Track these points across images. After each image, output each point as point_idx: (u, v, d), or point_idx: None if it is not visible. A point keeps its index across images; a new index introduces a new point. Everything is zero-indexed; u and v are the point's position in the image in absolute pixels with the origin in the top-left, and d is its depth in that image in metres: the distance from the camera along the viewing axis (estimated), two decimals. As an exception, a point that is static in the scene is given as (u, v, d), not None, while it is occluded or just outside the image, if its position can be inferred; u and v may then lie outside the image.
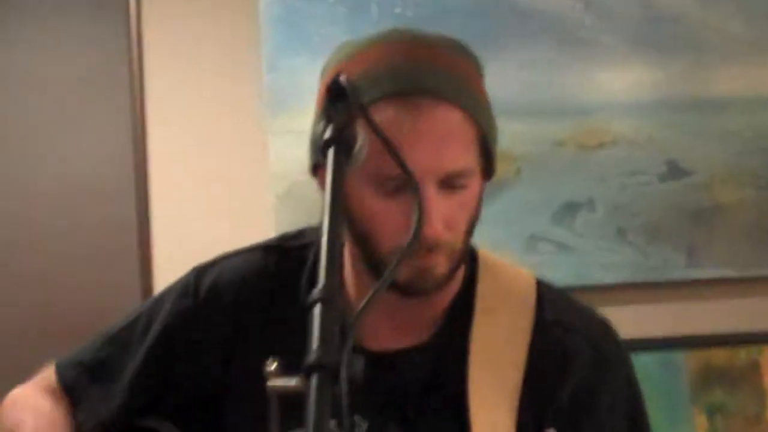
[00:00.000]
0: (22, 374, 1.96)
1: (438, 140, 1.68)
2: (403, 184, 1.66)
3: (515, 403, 1.77)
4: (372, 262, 1.71)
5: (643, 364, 2.95)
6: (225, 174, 3.30)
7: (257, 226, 2.97)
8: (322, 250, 1.38)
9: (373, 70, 1.66)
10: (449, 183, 1.67)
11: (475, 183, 1.71)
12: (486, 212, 2.72)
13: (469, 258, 1.85)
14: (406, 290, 1.70)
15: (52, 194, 3.36)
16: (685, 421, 3.21)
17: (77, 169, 3.42)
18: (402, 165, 1.54)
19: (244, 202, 3.26)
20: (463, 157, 1.69)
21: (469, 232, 1.74)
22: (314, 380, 1.29)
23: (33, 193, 3.36)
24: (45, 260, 3.35)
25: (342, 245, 1.51)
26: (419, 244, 1.65)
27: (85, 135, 3.43)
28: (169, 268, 2.74)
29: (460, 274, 1.82)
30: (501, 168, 2.48)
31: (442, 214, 1.67)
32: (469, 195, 1.71)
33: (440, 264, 1.71)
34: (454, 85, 1.73)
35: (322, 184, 1.67)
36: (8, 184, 3.43)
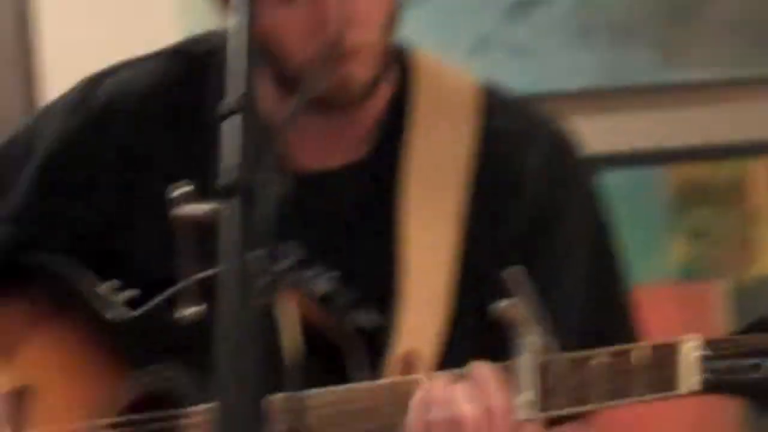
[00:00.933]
0: None
1: None
2: None
3: (456, 227, 1.74)
4: (284, 79, 1.68)
5: (611, 182, 2.42)
6: None
7: (157, 30, 2.79)
8: (234, 53, 1.25)
9: None
10: None
11: None
12: (426, 9, 2.76)
13: (400, 61, 1.81)
14: (327, 104, 1.65)
15: None
16: (662, 249, 3.05)
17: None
18: None
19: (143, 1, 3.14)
20: None
21: (389, 26, 1.70)
22: (232, 204, 1.20)
23: None
24: None
25: (257, 51, 1.33)
26: (332, 43, 1.64)
27: None
28: (58, 79, 2.75)
29: (390, 79, 1.78)
30: None
31: (350, 8, 1.66)
32: None
33: (359, 70, 1.67)
34: None
35: None
36: None
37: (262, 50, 1.64)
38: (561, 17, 2.99)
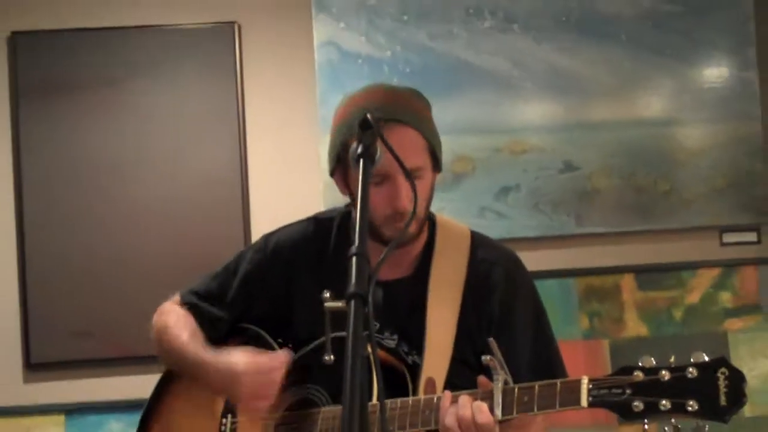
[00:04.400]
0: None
1: (404, 149, 1.94)
2: (385, 177, 2.02)
3: (457, 311, 2.13)
4: (374, 222, 2.05)
5: (547, 286, 3.74)
6: (292, 177, 3.88)
7: (311, 205, 3.06)
8: (357, 220, 1.61)
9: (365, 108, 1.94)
10: (412, 175, 1.94)
11: (427, 175, 2.08)
12: (452, 194, 3.60)
13: (432, 222, 2.21)
14: (396, 244, 1.92)
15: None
16: (575, 322, 3.84)
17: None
18: (400, 162, 1.81)
19: (303, 187, 3.80)
20: (420, 159, 2.06)
21: (427, 206, 2.11)
22: (353, 303, 1.53)
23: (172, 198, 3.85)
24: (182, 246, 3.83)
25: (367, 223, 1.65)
26: (399, 213, 2.04)
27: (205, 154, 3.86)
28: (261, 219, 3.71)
29: (425, 232, 2.19)
30: (461, 165, 3.48)
31: (408, 195, 2.02)
32: (425, 183, 2.07)
33: (412, 229, 2.08)
34: (413, 116, 2.08)
35: (337, 182, 2.10)
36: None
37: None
38: (523, 198, 3.86)
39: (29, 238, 3.84)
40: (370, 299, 1.52)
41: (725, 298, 3.88)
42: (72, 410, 3.76)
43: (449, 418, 1.87)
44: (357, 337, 1.51)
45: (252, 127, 3.93)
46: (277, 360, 2.10)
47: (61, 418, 3.80)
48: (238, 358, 2.10)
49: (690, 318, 3.88)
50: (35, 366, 3.83)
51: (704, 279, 3.90)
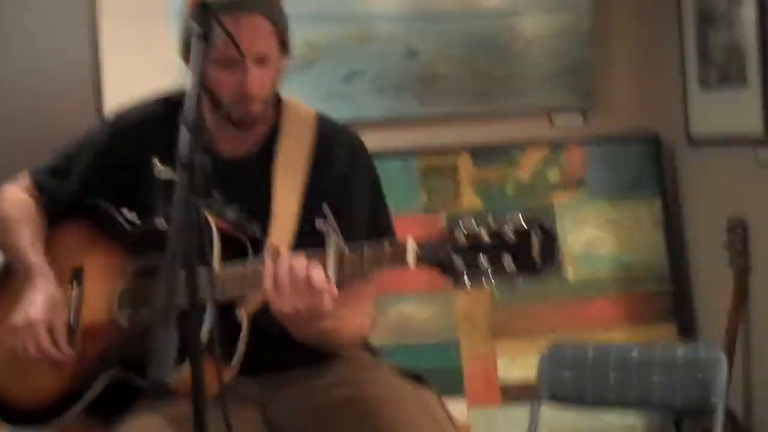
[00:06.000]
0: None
1: (251, 35, 2.08)
2: (233, 62, 2.09)
3: (300, 187, 2.23)
4: (219, 110, 2.17)
5: (392, 167, 3.96)
6: (147, 58, 3.76)
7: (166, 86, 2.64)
8: (189, 101, 1.75)
9: None
10: (261, 61, 2.11)
11: (275, 61, 2.15)
12: (300, 79, 3.61)
13: (279, 103, 2.27)
14: (238, 124, 2.18)
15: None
16: (415, 198, 4.06)
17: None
18: (238, 49, 2.01)
19: (158, 67, 3.52)
20: (267, 45, 2.13)
21: (274, 87, 2.20)
22: (181, 171, 1.70)
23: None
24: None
25: (200, 99, 1.79)
26: (246, 97, 2.14)
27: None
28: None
29: (272, 112, 2.26)
30: (308, 51, 3.64)
31: (256, 80, 2.11)
32: (272, 69, 2.15)
33: (256, 108, 2.16)
34: (261, 2, 2.13)
35: (187, 62, 2.03)
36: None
37: (210, 94, 2.14)
38: (368, 83, 4.03)
39: None
40: (201, 167, 1.66)
41: (553, 174, 4.11)
42: None
43: (282, 270, 1.93)
44: (186, 203, 1.63)
45: (106, 6, 3.88)
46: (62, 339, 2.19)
47: None
48: (37, 300, 2.18)
49: (520, 193, 4.11)
50: None
51: (534, 157, 4.13)
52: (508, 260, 1.85)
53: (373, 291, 2.23)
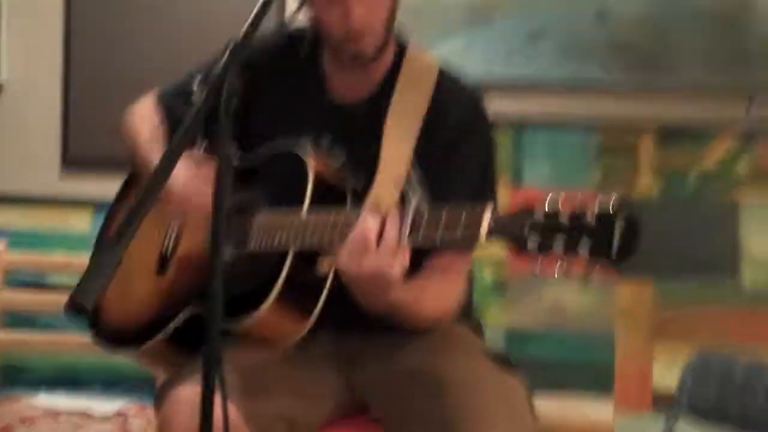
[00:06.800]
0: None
1: None
2: None
3: (412, 145, 2.19)
4: (331, 42, 2.18)
5: (566, 137, 3.70)
6: None
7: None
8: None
9: None
10: None
11: None
12: (482, 34, 3.56)
13: (399, 44, 2.27)
14: (351, 61, 2.16)
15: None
16: (590, 174, 3.77)
17: None
18: None
19: None
20: None
21: (388, 23, 2.16)
22: (205, 88, 1.88)
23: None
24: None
25: (258, 23, 1.79)
26: (352, 33, 2.11)
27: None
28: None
29: (389, 58, 2.25)
30: (492, 6, 3.35)
31: (359, 14, 2.07)
32: (381, 2, 2.13)
33: (365, 44, 2.14)
34: None
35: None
36: None
37: (321, 30, 2.17)
38: (551, 44, 3.73)
39: (75, 39, 4.00)
40: (229, 86, 1.67)
41: (742, 167, 3.75)
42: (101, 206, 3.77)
43: (361, 223, 1.88)
44: (223, 155, 1.64)
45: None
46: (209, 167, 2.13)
47: (90, 211, 4.03)
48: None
49: (705, 184, 3.82)
50: (71, 162, 4.02)
51: (724, 145, 3.80)
52: (584, 246, 1.67)
53: (466, 266, 2.19)
